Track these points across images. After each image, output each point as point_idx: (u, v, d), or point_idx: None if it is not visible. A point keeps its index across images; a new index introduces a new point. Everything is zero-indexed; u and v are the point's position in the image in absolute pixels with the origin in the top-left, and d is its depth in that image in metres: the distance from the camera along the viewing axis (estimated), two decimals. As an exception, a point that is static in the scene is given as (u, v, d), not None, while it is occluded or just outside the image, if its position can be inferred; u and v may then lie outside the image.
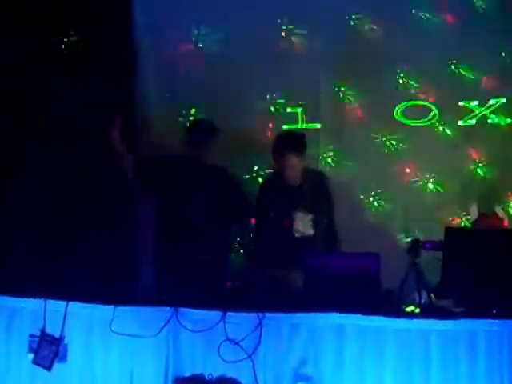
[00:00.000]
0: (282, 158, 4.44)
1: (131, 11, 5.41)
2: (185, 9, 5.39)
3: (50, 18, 5.41)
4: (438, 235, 4.17)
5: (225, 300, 3.80)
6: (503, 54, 5.15)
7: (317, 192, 4.60)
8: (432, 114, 5.28)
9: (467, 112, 5.24)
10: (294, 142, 4.48)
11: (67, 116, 5.24)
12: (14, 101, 5.30)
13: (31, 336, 3.90)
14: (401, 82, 5.32)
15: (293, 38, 5.40)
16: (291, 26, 5.39)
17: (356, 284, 3.73)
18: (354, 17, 5.33)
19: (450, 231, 3.87)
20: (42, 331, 3.87)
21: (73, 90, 5.24)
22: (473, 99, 5.23)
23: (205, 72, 5.41)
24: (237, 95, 5.31)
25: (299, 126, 5.36)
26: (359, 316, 3.62)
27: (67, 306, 3.90)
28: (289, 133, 4.70)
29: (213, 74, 5.36)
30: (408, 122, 5.32)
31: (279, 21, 5.40)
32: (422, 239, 3.91)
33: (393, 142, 5.33)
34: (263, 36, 5.32)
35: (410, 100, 5.31)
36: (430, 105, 5.30)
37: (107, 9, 5.31)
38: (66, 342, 3.88)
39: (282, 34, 5.41)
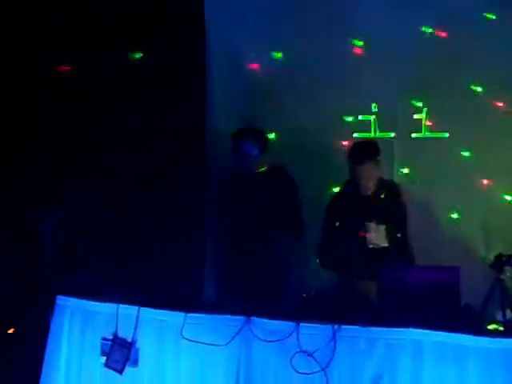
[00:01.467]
0: (356, 166, 4.40)
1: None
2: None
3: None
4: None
5: (299, 310, 3.72)
6: None
7: (391, 203, 4.52)
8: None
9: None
10: (367, 150, 4.43)
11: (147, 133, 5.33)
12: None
13: (104, 339, 3.90)
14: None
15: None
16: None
17: (436, 299, 3.60)
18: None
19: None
20: (115, 334, 3.87)
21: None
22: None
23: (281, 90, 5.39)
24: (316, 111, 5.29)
25: (372, 135, 5.29)
26: (439, 333, 3.49)
27: (139, 311, 3.91)
28: (363, 141, 4.64)
29: (289, 90, 5.36)
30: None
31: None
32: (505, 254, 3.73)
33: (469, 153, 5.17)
34: (338, 53, 5.29)
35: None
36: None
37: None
38: (137, 346, 3.87)
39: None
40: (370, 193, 4.47)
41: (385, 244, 4.44)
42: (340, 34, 5.33)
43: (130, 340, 3.85)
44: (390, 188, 4.60)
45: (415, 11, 5.19)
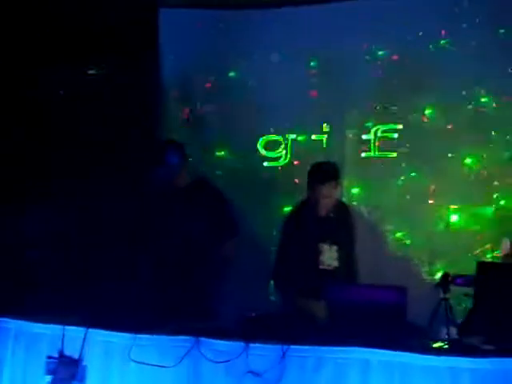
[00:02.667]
0: (317, 187, 4.39)
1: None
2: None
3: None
4: (466, 269, 4.14)
5: (247, 331, 3.71)
6: None
7: (342, 223, 4.54)
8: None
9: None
10: (329, 171, 4.44)
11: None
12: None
13: (49, 357, 3.82)
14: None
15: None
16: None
17: (382, 318, 3.63)
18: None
19: (482, 265, 3.76)
20: (60, 352, 3.79)
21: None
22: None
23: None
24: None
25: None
26: (386, 351, 3.51)
27: (87, 331, 3.85)
28: (324, 162, 4.65)
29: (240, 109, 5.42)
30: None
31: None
32: (451, 273, 3.79)
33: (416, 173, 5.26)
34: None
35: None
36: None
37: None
38: (84, 363, 3.79)
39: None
40: (322, 213, 4.49)
41: (336, 265, 4.46)
42: (291, 55, 5.41)
43: (76, 357, 3.78)
44: (341, 208, 4.62)
45: (368, 33, 5.28)
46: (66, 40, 5.55)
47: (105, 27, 5.48)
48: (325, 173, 4.44)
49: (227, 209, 4.65)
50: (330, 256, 4.44)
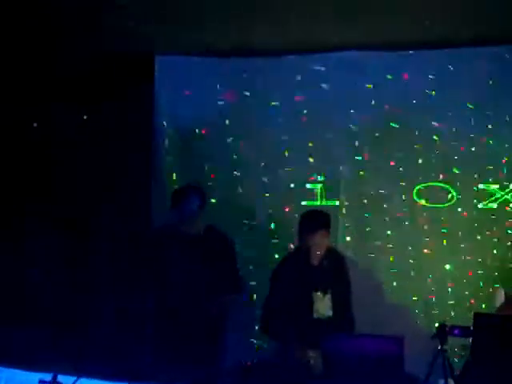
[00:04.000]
0: (309, 234, 4.37)
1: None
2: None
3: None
4: (461, 321, 4.14)
5: (243, 379, 3.66)
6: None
7: (335, 271, 4.52)
8: (450, 196, 5.23)
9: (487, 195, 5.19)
10: (320, 219, 4.43)
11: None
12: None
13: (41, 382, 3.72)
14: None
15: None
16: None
17: (380, 368, 3.59)
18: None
19: (479, 317, 3.74)
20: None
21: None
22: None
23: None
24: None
25: (318, 203, 5.35)
26: (383, 403, 3.48)
27: (77, 379, 3.77)
28: (315, 210, 4.66)
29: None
30: (427, 203, 5.27)
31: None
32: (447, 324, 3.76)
33: (412, 222, 5.27)
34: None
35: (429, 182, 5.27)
36: (448, 187, 5.25)
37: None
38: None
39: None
40: (315, 262, 4.46)
41: (330, 314, 4.42)
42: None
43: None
44: (334, 256, 4.60)
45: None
46: (61, 85, 5.59)
47: (100, 73, 5.53)
48: (315, 221, 4.42)
49: (234, 263, 4.60)
50: (323, 305, 4.40)
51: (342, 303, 4.50)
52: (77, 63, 5.48)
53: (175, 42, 5.41)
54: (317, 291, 4.41)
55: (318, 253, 4.40)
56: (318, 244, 4.38)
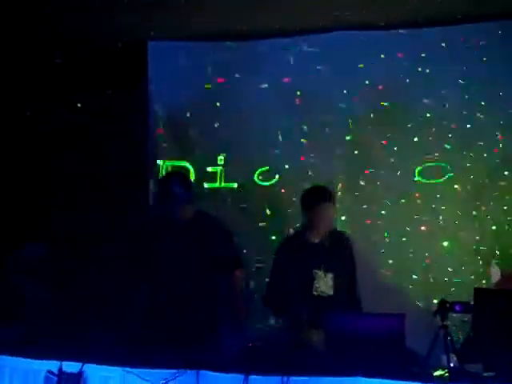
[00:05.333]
0: (315, 207, 4.38)
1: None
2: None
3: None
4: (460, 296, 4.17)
5: (247, 362, 3.69)
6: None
7: (339, 252, 4.53)
8: (445, 172, 5.26)
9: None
10: (325, 193, 4.44)
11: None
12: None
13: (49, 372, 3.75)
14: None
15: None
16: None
17: (382, 346, 3.63)
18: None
19: (479, 292, 3.78)
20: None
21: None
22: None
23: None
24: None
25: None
26: (386, 381, 3.51)
27: (82, 366, 3.80)
28: (317, 186, 4.65)
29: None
30: (423, 180, 5.30)
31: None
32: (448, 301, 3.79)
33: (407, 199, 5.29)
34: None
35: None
36: (443, 164, 5.27)
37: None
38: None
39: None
40: (317, 240, 4.47)
41: (331, 293, 4.45)
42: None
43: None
44: (339, 237, 4.60)
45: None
46: (52, 73, 5.57)
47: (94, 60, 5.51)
48: (320, 194, 4.43)
49: (230, 242, 4.61)
50: (324, 283, 4.42)
51: (348, 285, 4.51)
52: (69, 50, 5.46)
53: (166, 28, 5.39)
54: (318, 269, 4.43)
55: (327, 224, 4.38)
56: (323, 217, 4.37)
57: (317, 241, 4.45)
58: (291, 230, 5.02)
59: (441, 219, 5.20)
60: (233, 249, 4.60)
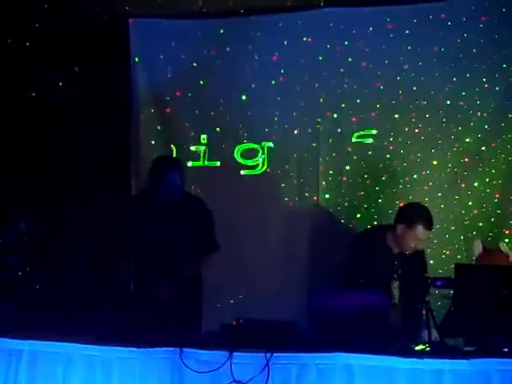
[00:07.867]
0: (413, 228, 4.28)
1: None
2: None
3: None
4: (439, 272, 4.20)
5: (231, 339, 3.71)
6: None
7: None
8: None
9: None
10: (428, 216, 4.33)
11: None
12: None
13: None
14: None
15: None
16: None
17: (363, 322, 3.66)
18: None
19: (460, 267, 3.81)
20: None
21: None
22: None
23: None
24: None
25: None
26: (368, 356, 3.54)
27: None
28: (420, 204, 4.49)
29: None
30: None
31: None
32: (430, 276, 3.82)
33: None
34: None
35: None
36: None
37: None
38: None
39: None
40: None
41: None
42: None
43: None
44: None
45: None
46: (34, 51, 5.52)
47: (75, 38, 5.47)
48: (423, 216, 4.30)
49: (210, 224, 4.60)
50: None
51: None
52: (53, 28, 5.41)
53: (149, 5, 5.35)
54: (395, 280, 4.30)
55: (417, 246, 4.32)
56: (420, 238, 4.29)
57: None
58: None
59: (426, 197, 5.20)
60: (212, 231, 4.60)
